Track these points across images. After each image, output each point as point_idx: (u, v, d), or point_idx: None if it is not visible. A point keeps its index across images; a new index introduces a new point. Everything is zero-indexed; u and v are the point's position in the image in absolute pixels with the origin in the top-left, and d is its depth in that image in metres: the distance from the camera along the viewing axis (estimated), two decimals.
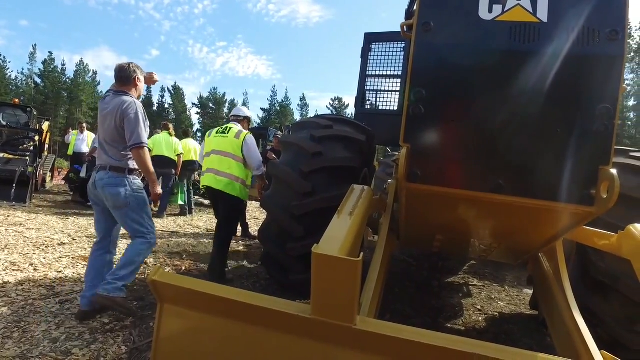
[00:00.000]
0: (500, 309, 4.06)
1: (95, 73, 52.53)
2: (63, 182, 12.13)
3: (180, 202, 8.05)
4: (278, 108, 59.71)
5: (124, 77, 2.88)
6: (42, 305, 2.77)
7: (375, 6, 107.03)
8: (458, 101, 2.04)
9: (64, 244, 4.60)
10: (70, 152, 10.60)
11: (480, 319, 3.73)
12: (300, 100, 61.77)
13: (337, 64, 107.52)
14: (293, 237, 3.32)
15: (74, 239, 4.87)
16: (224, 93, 61.19)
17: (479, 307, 4.05)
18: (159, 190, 3.28)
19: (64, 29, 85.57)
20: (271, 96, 60.80)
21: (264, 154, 6.88)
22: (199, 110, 58.72)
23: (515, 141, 1.90)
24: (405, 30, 2.48)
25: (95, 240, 3.01)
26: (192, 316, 1.92)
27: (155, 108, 57.86)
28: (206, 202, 10.52)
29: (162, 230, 6.21)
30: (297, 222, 3.31)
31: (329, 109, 59.13)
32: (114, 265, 2.91)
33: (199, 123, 57.58)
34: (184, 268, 4.14)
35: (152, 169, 2.91)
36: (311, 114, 61.82)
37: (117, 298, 2.63)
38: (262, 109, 61.37)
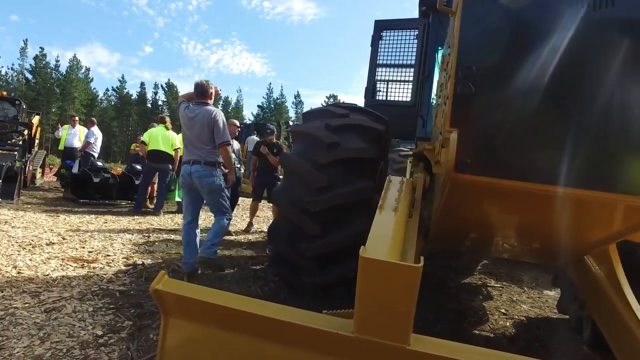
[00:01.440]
0: (525, 313, 3.78)
1: (88, 69, 51.79)
2: (54, 178, 11.68)
3: (177, 199, 7.67)
4: (273, 105, 59.22)
5: (204, 91, 3.70)
6: (24, 315, 2.42)
7: (368, 4, 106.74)
8: (518, 77, 1.73)
9: (53, 243, 4.24)
10: (61, 146, 10.18)
11: (507, 324, 3.45)
12: (295, 98, 61.49)
13: (331, 61, 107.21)
14: (308, 236, 3.02)
15: (64, 238, 4.51)
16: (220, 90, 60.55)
17: (502, 310, 3.77)
18: (234, 178, 4.24)
19: (55, 25, 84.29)
20: (267, 94, 60.32)
21: (256, 148, 6.59)
22: None
23: (593, 124, 1.59)
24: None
25: (186, 220, 3.78)
26: (203, 331, 1.60)
27: (149, 105, 57.16)
28: None
29: (159, 229, 5.86)
30: (312, 219, 3.00)
31: (324, 106, 58.79)
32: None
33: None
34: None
35: (233, 161, 4.00)
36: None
37: (214, 257, 3.69)
38: (258, 106, 60.64)
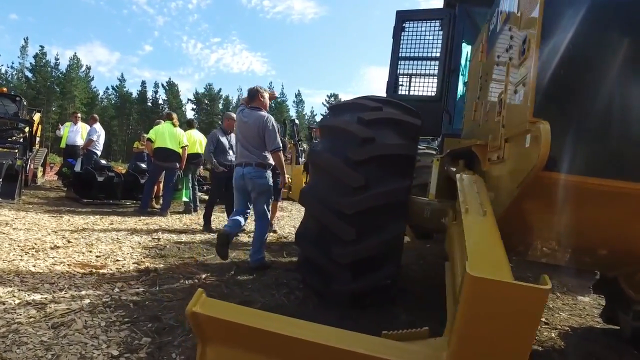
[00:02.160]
0: (566, 322, 3.50)
1: (88, 68, 51.46)
2: (56, 177, 11.39)
3: (184, 199, 7.39)
4: (273, 104, 58.93)
5: (254, 97, 3.98)
6: (29, 332, 2.13)
7: (368, 3, 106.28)
8: (617, 60, 1.45)
9: (58, 247, 3.95)
10: (62, 144, 9.89)
11: (552, 335, 3.17)
12: (296, 97, 61.37)
13: (331, 60, 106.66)
14: (341, 241, 2.75)
15: (69, 241, 4.22)
16: (220, 89, 60.32)
17: (543, 319, 3.49)
18: (285, 180, 4.51)
19: (54, 24, 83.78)
20: None
21: None
22: (195, 106, 57.85)
23: None
24: None
25: (235, 210, 4.01)
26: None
27: (149, 104, 56.84)
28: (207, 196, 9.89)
29: (168, 231, 5.58)
30: (347, 222, 2.73)
31: (324, 105, 58.52)
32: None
33: (194, 119, 56.69)
34: (203, 277, 3.52)
35: (284, 165, 4.19)
36: (307, 111, 61.23)
37: (263, 262, 3.95)
38: None
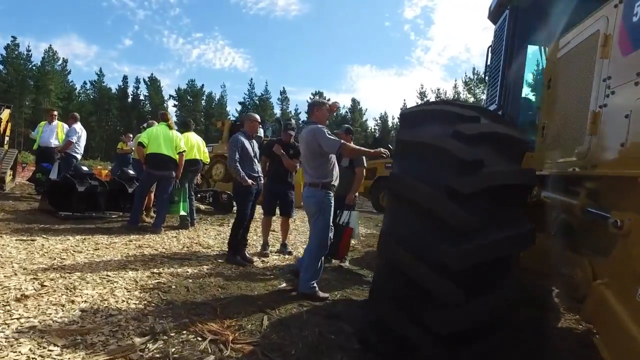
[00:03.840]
0: None
1: (65, 61, 49.05)
2: (28, 183, 10.12)
3: (182, 213, 6.34)
4: (257, 102, 57.54)
5: (308, 110, 3.94)
6: None
7: (352, 1, 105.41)
8: None
9: (27, 297, 2.89)
10: (35, 146, 8.70)
11: None
12: (281, 94, 60.05)
13: (316, 58, 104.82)
14: (441, 303, 1.90)
15: (42, 285, 3.15)
16: (202, 85, 58.56)
17: None
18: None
19: (27, 14, 79.73)
20: (249, 90, 58.62)
21: (269, 146, 5.41)
22: (177, 103, 55.94)
23: None
24: None
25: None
26: None
27: (129, 100, 54.69)
28: (202, 206, 8.88)
29: (167, 257, 4.57)
30: (451, 279, 1.88)
31: (308, 102, 57.69)
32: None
33: (176, 115, 54.79)
34: (230, 338, 2.59)
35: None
36: (291, 109, 60.09)
37: (312, 292, 3.57)
38: (240, 102, 58.87)
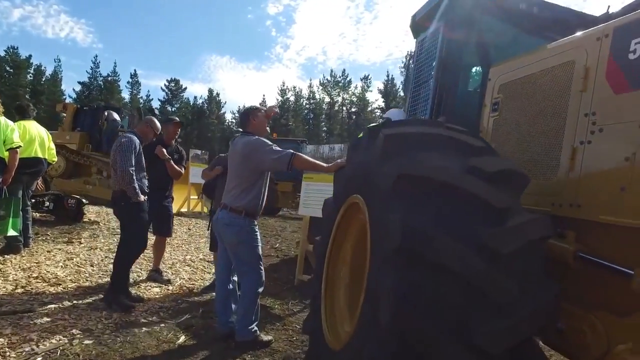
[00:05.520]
0: None
1: None
2: None
3: (11, 232, 4.48)
4: (102, 83, 49.93)
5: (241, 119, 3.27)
6: None
7: None
8: None
9: None
10: None
11: None
12: (131, 77, 53.15)
13: (171, 42, 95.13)
14: None
15: None
16: (30, 56, 47.72)
17: None
18: None
19: None
20: (92, 68, 50.46)
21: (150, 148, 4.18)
22: None
23: None
24: None
25: None
26: None
27: None
28: (38, 214, 6.76)
29: None
30: None
31: (164, 90, 52.91)
32: None
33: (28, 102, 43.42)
34: None
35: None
36: (142, 94, 54.15)
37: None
38: (80, 82, 50.15)
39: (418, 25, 3.86)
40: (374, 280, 1.71)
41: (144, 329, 3.09)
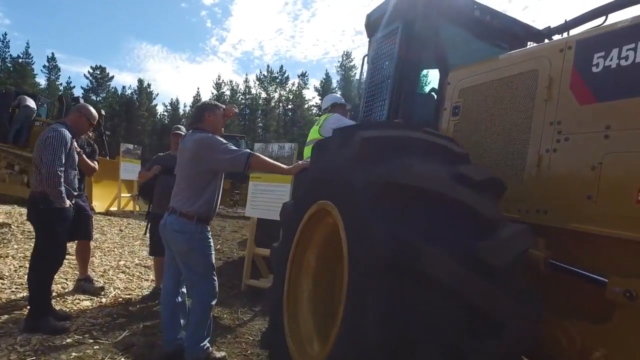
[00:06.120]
0: None
1: None
2: None
3: None
4: (11, 65, 44.31)
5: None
6: None
7: None
8: None
9: None
10: None
11: None
12: (48, 61, 47.76)
13: (97, 26, 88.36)
14: None
15: None
16: None
17: None
18: None
19: None
20: (0, 48, 44.63)
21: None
22: None
23: None
24: None
25: None
26: None
27: None
28: None
29: None
30: None
31: (87, 78, 48.49)
32: None
33: None
34: None
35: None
36: (63, 80, 49.16)
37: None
38: None
39: (373, 25, 3.80)
40: (357, 297, 1.57)
41: (74, 354, 2.66)
